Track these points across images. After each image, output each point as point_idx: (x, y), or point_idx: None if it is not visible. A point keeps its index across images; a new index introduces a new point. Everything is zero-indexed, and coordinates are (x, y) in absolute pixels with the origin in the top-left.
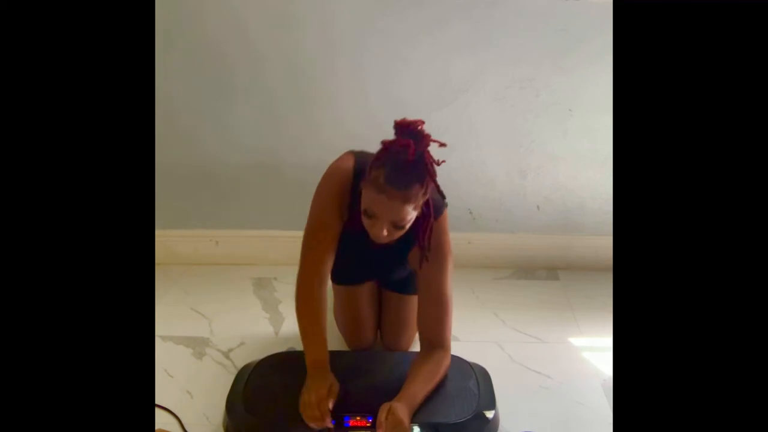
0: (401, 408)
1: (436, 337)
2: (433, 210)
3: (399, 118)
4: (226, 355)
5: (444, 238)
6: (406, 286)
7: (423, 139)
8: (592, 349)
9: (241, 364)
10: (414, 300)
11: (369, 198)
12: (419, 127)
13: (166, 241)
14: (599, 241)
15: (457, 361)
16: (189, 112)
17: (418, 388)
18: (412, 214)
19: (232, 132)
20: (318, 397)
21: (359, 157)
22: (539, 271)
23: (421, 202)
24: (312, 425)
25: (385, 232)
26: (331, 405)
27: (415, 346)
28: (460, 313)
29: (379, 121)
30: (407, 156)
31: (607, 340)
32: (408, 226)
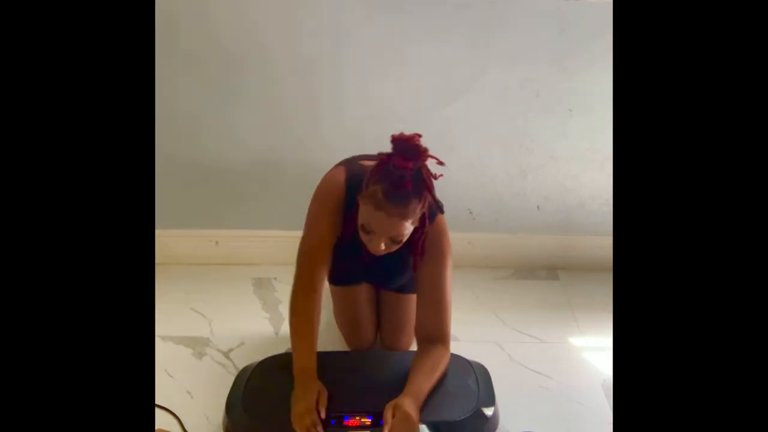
0: (408, 403)
1: (435, 333)
2: (428, 215)
3: (400, 117)
4: (226, 355)
5: (442, 239)
6: (404, 286)
7: (420, 154)
8: (592, 349)
9: (241, 364)
10: (413, 299)
11: (367, 214)
12: (417, 142)
13: (166, 241)
14: (599, 241)
15: (456, 359)
16: (189, 112)
17: (422, 382)
18: (409, 228)
19: (232, 131)
20: (308, 407)
21: (349, 168)
22: (539, 271)
23: (419, 215)
24: None
25: (383, 246)
26: (322, 413)
27: (415, 346)
28: (460, 313)
29: (381, 121)
30: (405, 179)
31: (607, 340)
32: (405, 239)
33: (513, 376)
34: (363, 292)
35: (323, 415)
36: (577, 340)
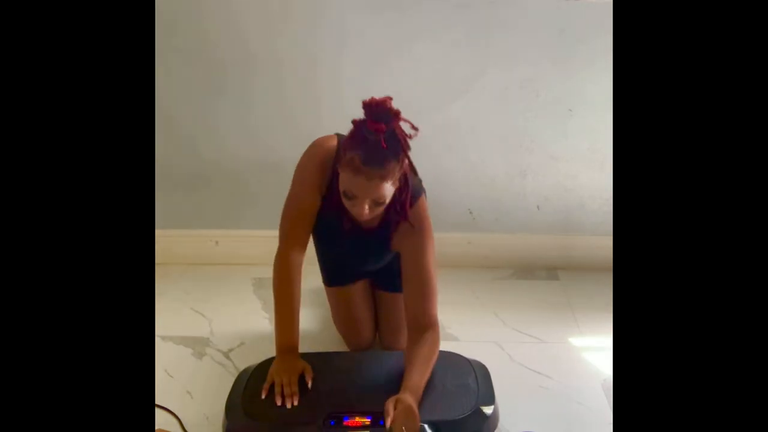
0: (408, 398)
1: (423, 316)
2: (412, 192)
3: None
4: (226, 355)
5: (423, 221)
6: (398, 284)
7: (393, 116)
8: (592, 349)
9: (241, 364)
10: None
11: (347, 180)
12: (388, 105)
13: (166, 241)
14: (599, 241)
15: (455, 357)
16: (189, 112)
17: (418, 377)
18: (390, 189)
19: (232, 132)
20: (289, 377)
21: (340, 137)
22: (539, 271)
23: (398, 176)
24: (280, 402)
25: (366, 210)
26: (309, 382)
27: None
28: (460, 313)
29: None
30: (379, 142)
31: (607, 340)
32: (388, 200)
33: (513, 376)
34: (357, 291)
35: (309, 384)
36: (577, 340)
